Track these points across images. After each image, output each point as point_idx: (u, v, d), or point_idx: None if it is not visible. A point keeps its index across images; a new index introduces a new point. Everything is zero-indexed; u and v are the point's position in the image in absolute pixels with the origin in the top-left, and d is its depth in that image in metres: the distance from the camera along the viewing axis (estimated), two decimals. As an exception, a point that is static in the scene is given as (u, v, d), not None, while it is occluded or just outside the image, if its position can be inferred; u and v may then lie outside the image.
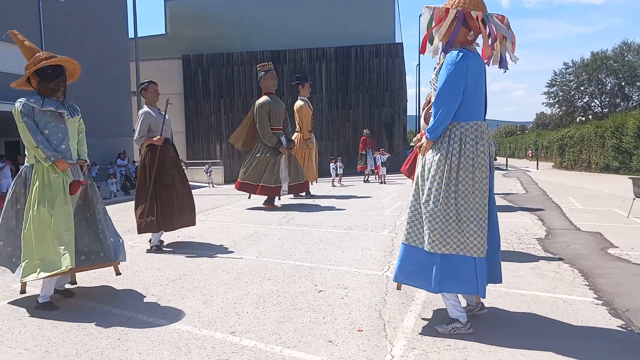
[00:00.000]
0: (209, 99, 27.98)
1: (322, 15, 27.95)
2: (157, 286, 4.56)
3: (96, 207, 4.30)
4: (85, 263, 4.22)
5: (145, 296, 4.28)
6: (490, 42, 3.23)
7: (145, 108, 6.17)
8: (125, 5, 25.03)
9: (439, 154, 3.20)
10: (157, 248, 6.18)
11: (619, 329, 3.25)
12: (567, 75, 59.11)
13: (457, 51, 3.16)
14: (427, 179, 3.23)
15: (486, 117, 3.43)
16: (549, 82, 60.27)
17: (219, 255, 5.80)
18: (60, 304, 4.08)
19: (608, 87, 57.03)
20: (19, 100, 4.01)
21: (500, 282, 3.44)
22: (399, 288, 3.59)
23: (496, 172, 22.16)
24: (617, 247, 5.59)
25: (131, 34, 21.61)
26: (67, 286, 4.46)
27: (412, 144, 5.41)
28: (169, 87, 26.55)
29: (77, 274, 4.59)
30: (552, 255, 5.26)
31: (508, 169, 26.67)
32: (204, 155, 28.18)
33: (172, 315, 3.76)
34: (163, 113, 6.18)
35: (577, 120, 49.08)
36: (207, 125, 28.37)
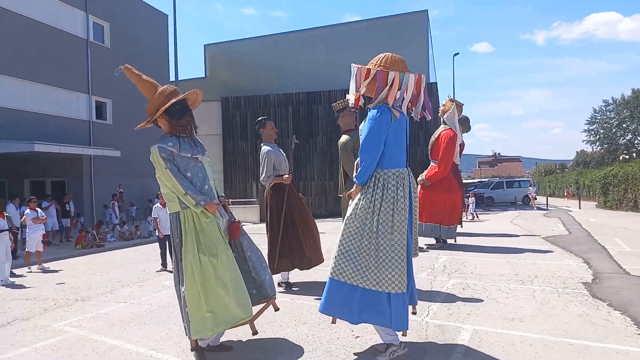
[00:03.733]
0: (246, 139, 28.46)
1: (356, 56, 28.38)
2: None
3: (243, 244, 3.99)
4: None
5: (181, 341, 4.26)
6: (404, 97, 3.61)
7: (267, 146, 6.07)
8: (167, 49, 26.20)
9: (364, 198, 3.55)
10: (287, 285, 6.18)
11: (680, 385, 3.02)
12: (608, 113, 57.76)
13: (377, 107, 3.54)
14: (354, 220, 3.55)
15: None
16: (589, 119, 59.00)
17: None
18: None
19: (651, 124, 55.40)
20: (155, 146, 3.70)
21: (415, 303, 3.78)
22: (333, 322, 3.88)
23: (537, 212, 21.64)
24: (672, 294, 5.27)
25: (172, 77, 22.45)
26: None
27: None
28: (208, 128, 27.26)
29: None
30: (601, 302, 5.00)
31: (549, 208, 25.92)
32: (241, 194, 28.53)
33: None
34: (283, 149, 6.20)
35: (621, 158, 47.61)
36: (244, 165, 28.79)
